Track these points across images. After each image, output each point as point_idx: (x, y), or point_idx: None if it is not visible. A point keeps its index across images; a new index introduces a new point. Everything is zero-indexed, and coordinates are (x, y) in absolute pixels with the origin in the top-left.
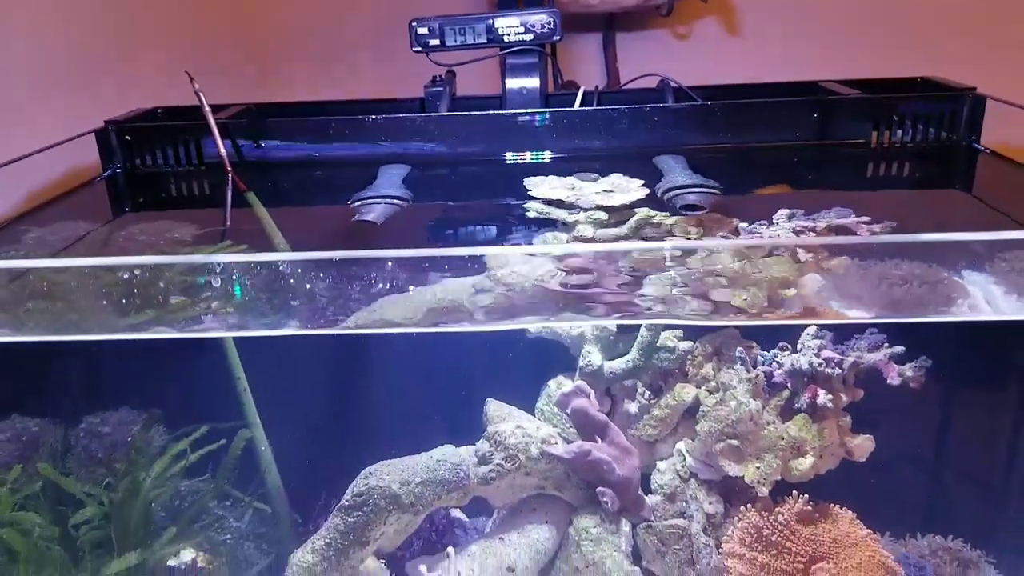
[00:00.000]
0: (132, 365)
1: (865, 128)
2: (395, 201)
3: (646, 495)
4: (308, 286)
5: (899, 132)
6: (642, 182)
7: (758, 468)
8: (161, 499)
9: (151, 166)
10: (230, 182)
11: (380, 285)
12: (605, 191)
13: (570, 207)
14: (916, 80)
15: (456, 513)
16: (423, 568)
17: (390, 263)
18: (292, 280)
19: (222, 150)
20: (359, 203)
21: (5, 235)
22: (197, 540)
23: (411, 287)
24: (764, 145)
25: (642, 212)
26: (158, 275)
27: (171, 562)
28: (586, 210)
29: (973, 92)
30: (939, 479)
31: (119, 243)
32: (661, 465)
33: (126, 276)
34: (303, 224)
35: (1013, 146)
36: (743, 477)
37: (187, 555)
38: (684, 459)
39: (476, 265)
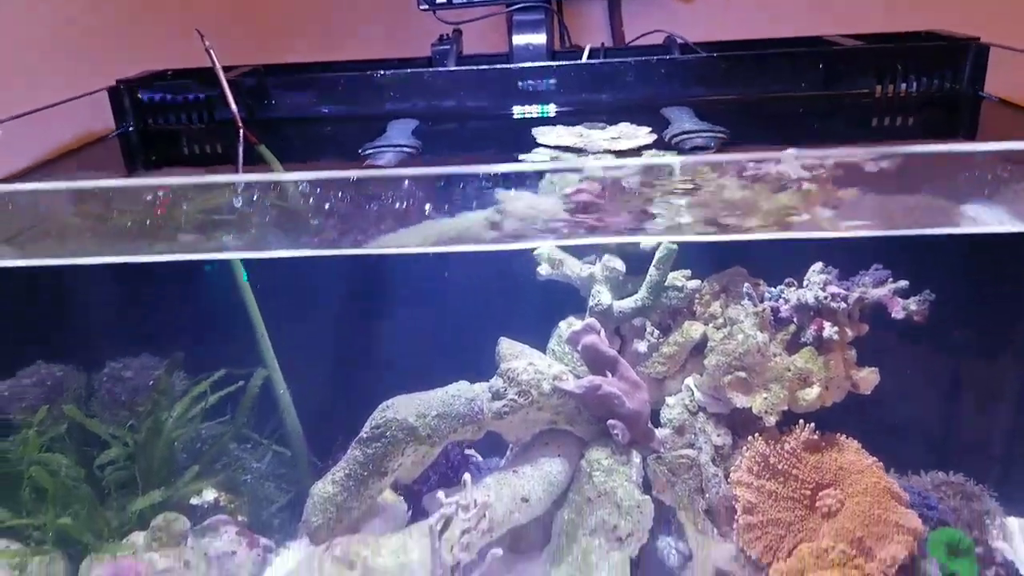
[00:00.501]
0: (152, 313)
1: (870, 79)
2: (404, 149)
3: (655, 429)
4: (327, 206)
5: (903, 84)
6: (650, 129)
7: (765, 399)
8: (183, 439)
9: (163, 125)
10: (241, 137)
11: (397, 205)
12: (613, 138)
13: (578, 152)
14: (920, 33)
15: (470, 452)
16: (441, 495)
17: (407, 182)
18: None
19: (233, 106)
20: (369, 151)
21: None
22: (218, 480)
23: (427, 205)
24: (770, 96)
25: (650, 154)
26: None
27: (194, 501)
28: (594, 154)
29: (976, 41)
30: (942, 414)
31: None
32: (670, 400)
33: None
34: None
35: (1018, 95)
36: (751, 408)
37: (209, 495)
38: (692, 394)
39: (490, 185)
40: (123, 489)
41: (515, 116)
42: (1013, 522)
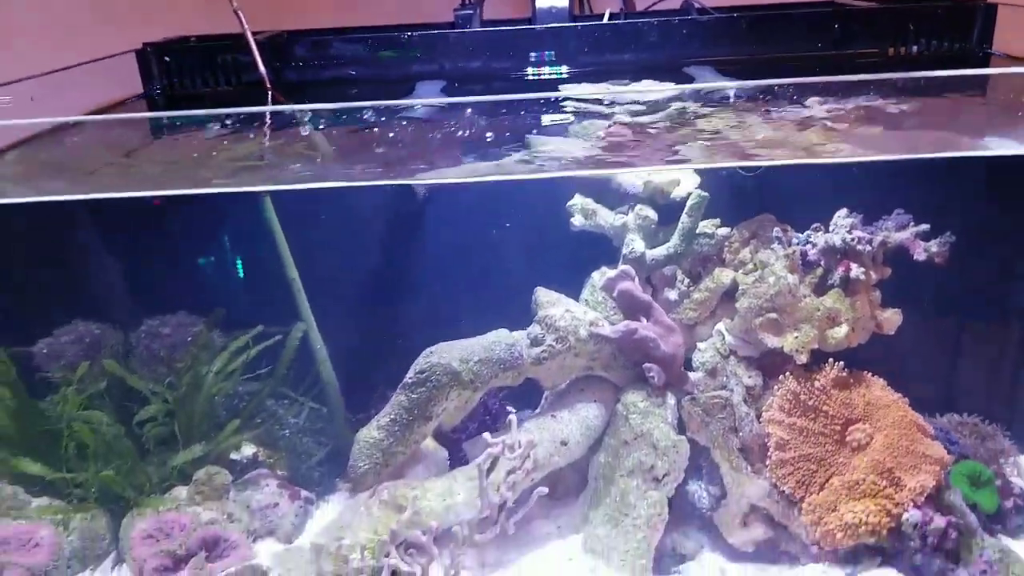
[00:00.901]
0: (188, 273)
1: (883, 40)
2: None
3: (688, 372)
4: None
5: (914, 46)
6: (673, 84)
7: (796, 338)
8: (223, 393)
9: (190, 87)
10: (269, 98)
11: (460, 132)
12: (638, 92)
13: (606, 103)
14: None
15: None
16: (487, 436)
17: (469, 110)
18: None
19: (261, 67)
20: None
21: (48, 139)
22: (256, 435)
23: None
24: (787, 56)
25: (677, 104)
26: None
27: (233, 456)
28: (622, 104)
29: (985, 2)
30: (957, 358)
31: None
32: (701, 345)
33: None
34: (342, 134)
35: None
36: (782, 348)
37: (248, 450)
38: (724, 338)
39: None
40: (163, 445)
41: (540, 77)
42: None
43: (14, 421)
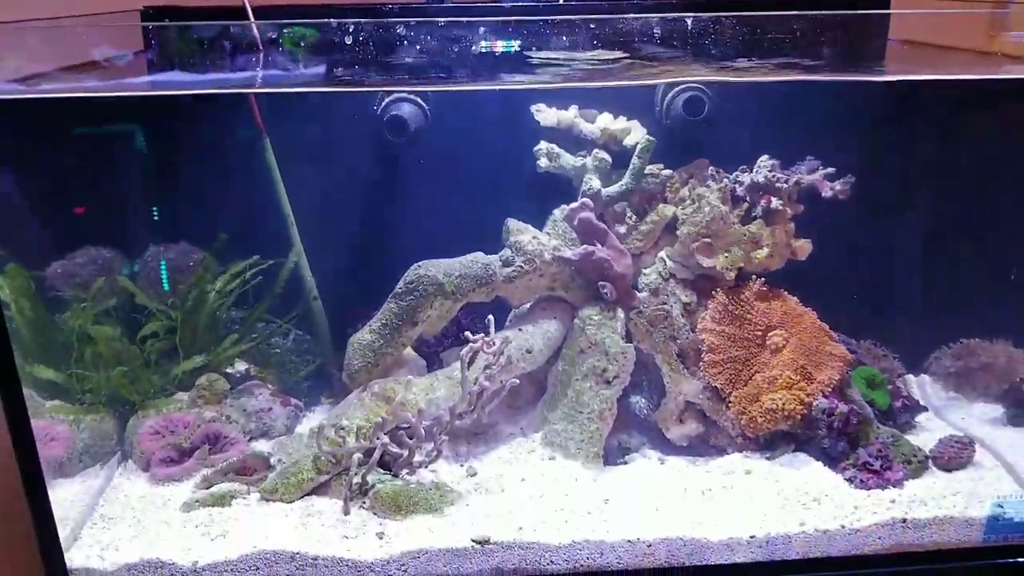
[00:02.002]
0: (189, 206)
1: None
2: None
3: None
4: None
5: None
6: (623, 52)
7: (726, 257)
8: (222, 309)
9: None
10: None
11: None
12: (592, 56)
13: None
14: None
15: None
16: (468, 334)
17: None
18: None
19: (255, 29)
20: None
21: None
22: (249, 354)
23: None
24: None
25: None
26: None
27: (228, 370)
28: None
29: None
30: (855, 288)
31: None
32: (647, 270)
33: None
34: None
35: None
36: (714, 267)
37: (241, 365)
38: (665, 263)
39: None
40: (165, 358)
41: (508, 48)
42: (911, 378)
43: (31, 332)
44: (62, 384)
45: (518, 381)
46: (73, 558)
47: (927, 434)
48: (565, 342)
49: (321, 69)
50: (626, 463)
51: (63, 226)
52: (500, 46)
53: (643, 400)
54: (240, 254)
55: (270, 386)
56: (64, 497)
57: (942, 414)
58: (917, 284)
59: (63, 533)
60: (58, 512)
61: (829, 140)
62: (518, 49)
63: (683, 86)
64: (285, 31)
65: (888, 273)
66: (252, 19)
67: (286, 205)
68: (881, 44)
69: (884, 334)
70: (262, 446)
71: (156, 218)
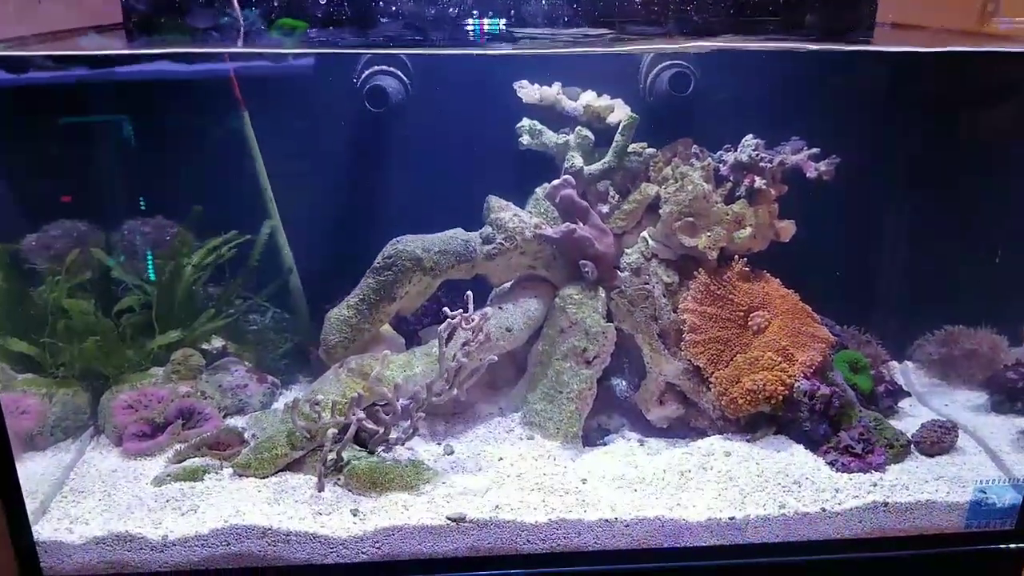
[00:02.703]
0: (166, 178)
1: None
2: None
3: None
4: None
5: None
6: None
7: (709, 236)
8: (198, 284)
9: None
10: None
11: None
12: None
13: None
14: None
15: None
16: (446, 310)
17: None
18: None
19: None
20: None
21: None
22: (225, 330)
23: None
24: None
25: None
26: None
27: (204, 346)
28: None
29: None
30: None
31: None
32: (629, 250)
33: None
34: None
35: None
36: (696, 247)
37: (217, 342)
38: (647, 243)
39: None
40: (140, 333)
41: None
42: (895, 365)
43: (4, 304)
44: (35, 357)
45: (496, 358)
46: (41, 531)
47: (910, 419)
48: (546, 321)
49: (311, 61)
50: (605, 444)
51: (38, 199)
52: (487, 24)
53: (624, 382)
54: (217, 228)
55: (247, 363)
56: (34, 470)
57: (925, 400)
58: (902, 271)
59: (32, 506)
60: (27, 485)
61: (816, 122)
62: (503, 28)
63: (667, 63)
64: (276, 22)
65: (874, 260)
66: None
67: (264, 178)
68: (869, 26)
69: (869, 321)
70: (237, 423)
71: (132, 192)
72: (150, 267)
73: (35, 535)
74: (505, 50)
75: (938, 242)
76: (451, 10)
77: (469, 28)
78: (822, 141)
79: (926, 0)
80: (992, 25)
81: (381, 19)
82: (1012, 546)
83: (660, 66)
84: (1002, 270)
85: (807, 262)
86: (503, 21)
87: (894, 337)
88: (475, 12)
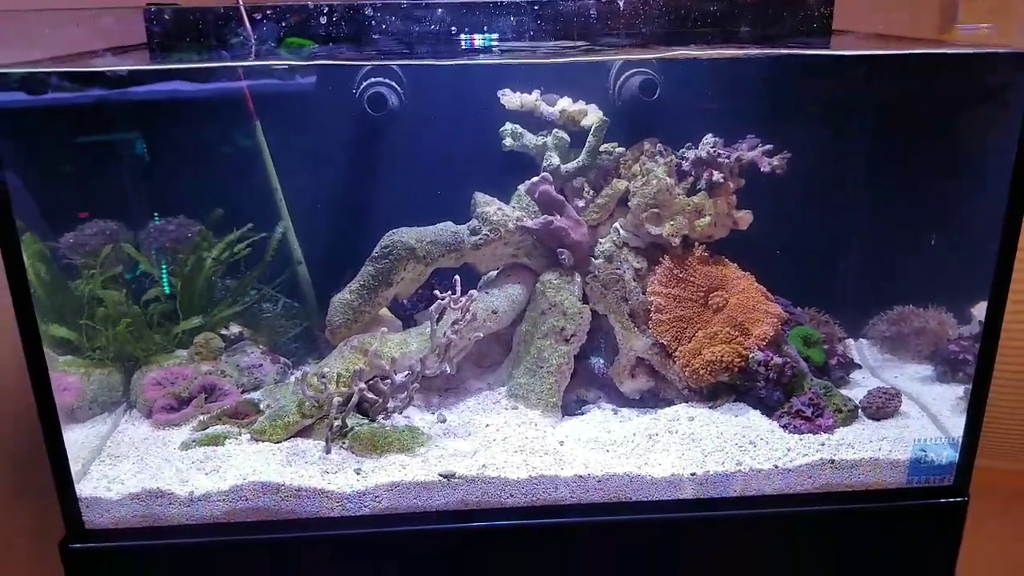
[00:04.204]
0: (186, 184)
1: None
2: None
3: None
4: None
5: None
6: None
7: (672, 225)
8: (218, 275)
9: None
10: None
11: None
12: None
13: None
14: None
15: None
16: (436, 292)
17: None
18: None
19: (248, 28)
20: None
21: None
22: (242, 317)
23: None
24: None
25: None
26: None
27: (223, 331)
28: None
29: None
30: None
31: None
32: (602, 240)
33: None
34: None
35: None
36: (661, 235)
37: (235, 328)
38: (619, 232)
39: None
40: (166, 320)
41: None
42: (851, 342)
43: (47, 294)
44: (74, 341)
45: (482, 335)
46: (83, 489)
47: (860, 389)
48: (529, 305)
49: (313, 79)
50: (583, 414)
51: (72, 202)
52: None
53: (601, 361)
54: (235, 228)
55: (261, 346)
56: (75, 439)
57: (877, 373)
58: (857, 255)
59: (74, 469)
60: (70, 451)
61: (772, 119)
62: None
63: (633, 70)
64: (285, 41)
65: (830, 245)
66: (247, 24)
67: (275, 182)
68: (825, 33)
69: (828, 303)
70: (253, 397)
71: (159, 197)
72: (163, 268)
73: (78, 492)
74: (489, 60)
75: (891, 227)
76: (432, 27)
77: (461, 41)
78: (779, 139)
79: (888, 9)
80: (954, 32)
81: (374, 36)
82: (952, 500)
83: (626, 73)
84: (953, 254)
85: (774, 251)
86: (495, 36)
87: (851, 318)
88: (453, 29)
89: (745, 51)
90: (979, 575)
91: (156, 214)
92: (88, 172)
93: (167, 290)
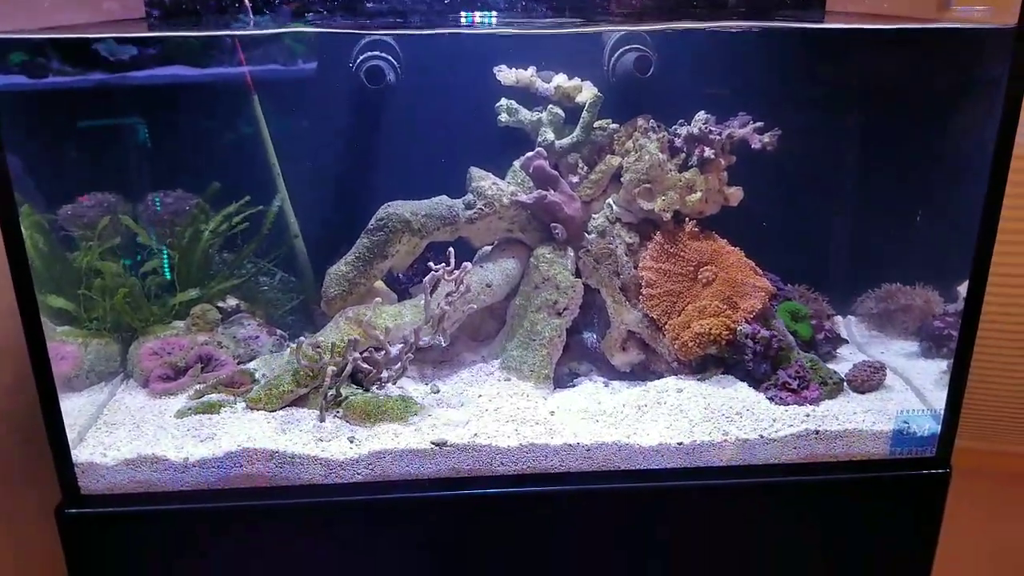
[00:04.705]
0: (185, 155)
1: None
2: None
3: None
4: None
5: None
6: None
7: (663, 200)
8: (214, 248)
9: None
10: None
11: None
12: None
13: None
14: None
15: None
16: (431, 264)
17: None
18: None
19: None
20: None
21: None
22: (238, 290)
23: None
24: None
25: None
26: None
27: (220, 304)
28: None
29: None
30: (790, 236)
31: None
32: (595, 215)
33: None
34: None
35: None
36: (653, 210)
37: (232, 301)
38: (612, 208)
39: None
40: (163, 291)
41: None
42: (839, 319)
43: (45, 264)
44: (72, 312)
45: (476, 307)
46: (79, 455)
47: (846, 363)
48: (522, 279)
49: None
50: (574, 386)
51: (72, 175)
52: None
53: (594, 335)
54: (232, 202)
55: (258, 318)
56: (72, 408)
57: (864, 349)
58: (847, 234)
59: (71, 436)
60: (67, 419)
61: (765, 95)
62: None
63: (627, 47)
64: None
65: (821, 224)
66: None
67: (272, 156)
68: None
69: (816, 279)
70: (249, 368)
71: (159, 170)
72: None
73: (74, 458)
74: (485, 30)
75: (881, 207)
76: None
77: (460, 18)
78: (771, 115)
79: None
80: (950, 13)
81: (367, 4)
82: (934, 471)
83: (621, 50)
84: (941, 233)
85: (764, 227)
86: (494, 14)
87: (841, 295)
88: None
89: (739, 24)
90: (966, 556)
91: (156, 197)
92: (87, 147)
93: (166, 266)
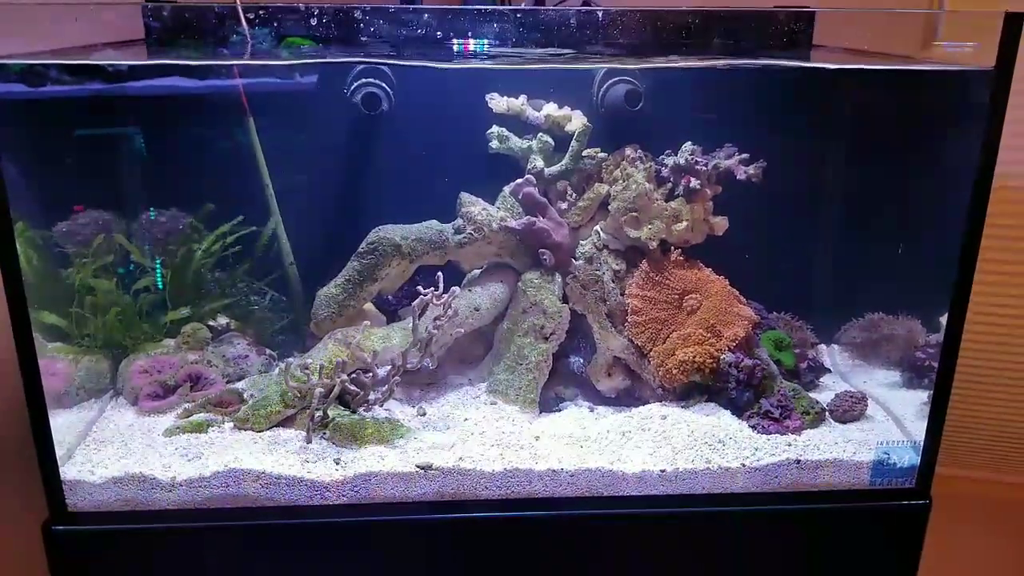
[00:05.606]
0: (179, 179)
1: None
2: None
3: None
4: None
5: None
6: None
7: (650, 229)
8: (207, 267)
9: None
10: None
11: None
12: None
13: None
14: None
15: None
16: (419, 288)
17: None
18: None
19: (245, 27)
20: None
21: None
22: (229, 310)
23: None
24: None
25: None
26: None
27: (211, 323)
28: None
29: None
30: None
31: None
32: (583, 242)
33: None
34: None
35: None
36: (640, 238)
37: (222, 320)
38: (599, 235)
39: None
40: (155, 309)
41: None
42: (823, 348)
43: (38, 281)
44: (64, 328)
45: (463, 331)
46: (67, 472)
47: (829, 392)
48: (510, 304)
49: (313, 78)
50: (560, 411)
51: (68, 191)
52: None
53: (580, 360)
54: (226, 222)
55: (248, 338)
56: (62, 424)
57: (847, 378)
58: (831, 263)
59: (60, 452)
60: (56, 436)
61: (750, 127)
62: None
63: (616, 79)
64: (285, 40)
65: (806, 253)
66: (245, 24)
67: (267, 179)
68: (805, 49)
69: (801, 308)
70: (238, 387)
71: (152, 189)
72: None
73: (61, 475)
74: (477, 64)
75: (864, 237)
76: (419, 31)
77: (454, 47)
78: (755, 148)
79: (872, 27)
80: (935, 49)
81: (363, 39)
82: (913, 503)
83: (609, 81)
84: (925, 264)
85: (751, 257)
86: (487, 42)
87: (824, 324)
88: (438, 34)
89: (726, 62)
90: None
91: (152, 210)
92: (82, 163)
93: (159, 282)
